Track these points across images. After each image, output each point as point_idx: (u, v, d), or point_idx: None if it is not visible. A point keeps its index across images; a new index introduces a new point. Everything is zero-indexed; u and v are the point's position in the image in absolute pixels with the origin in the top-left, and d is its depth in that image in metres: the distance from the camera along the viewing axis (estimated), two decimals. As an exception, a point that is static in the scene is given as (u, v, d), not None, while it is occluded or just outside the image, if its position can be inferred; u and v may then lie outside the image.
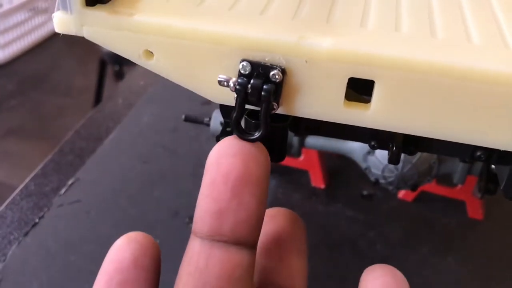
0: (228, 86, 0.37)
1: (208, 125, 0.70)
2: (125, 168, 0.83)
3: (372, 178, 0.68)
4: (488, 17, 0.41)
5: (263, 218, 0.31)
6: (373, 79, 0.36)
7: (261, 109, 0.37)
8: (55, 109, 2.88)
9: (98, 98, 2.60)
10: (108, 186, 0.79)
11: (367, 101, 0.38)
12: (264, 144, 0.41)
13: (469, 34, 0.38)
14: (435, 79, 0.35)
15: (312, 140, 0.68)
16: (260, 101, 0.37)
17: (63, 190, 0.78)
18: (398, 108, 0.37)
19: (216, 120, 0.68)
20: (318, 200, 0.79)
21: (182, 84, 0.40)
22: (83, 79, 3.14)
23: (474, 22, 0.40)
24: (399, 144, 0.43)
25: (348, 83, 0.38)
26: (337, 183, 0.82)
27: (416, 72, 0.35)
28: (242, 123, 0.41)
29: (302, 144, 0.68)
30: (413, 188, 0.65)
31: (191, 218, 0.77)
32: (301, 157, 0.80)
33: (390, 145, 0.43)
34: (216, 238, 0.30)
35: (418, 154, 0.60)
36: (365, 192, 0.81)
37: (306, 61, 0.36)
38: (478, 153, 0.44)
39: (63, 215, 0.74)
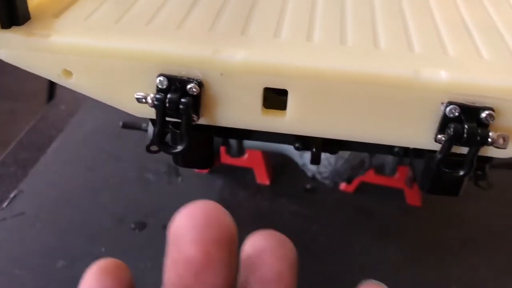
0: (146, 102, 0.38)
1: (146, 130, 0.70)
2: (69, 177, 0.82)
3: (309, 174, 0.70)
4: (397, 24, 0.43)
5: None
6: (286, 88, 0.38)
7: (182, 121, 0.38)
8: (6, 115, 2.81)
9: (50, 102, 2.55)
10: (52, 196, 0.78)
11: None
12: (190, 152, 0.42)
13: (377, 40, 0.40)
14: (342, 86, 0.37)
15: (251, 141, 0.69)
16: (179, 114, 0.38)
17: (5, 203, 0.77)
18: (311, 114, 0.38)
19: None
20: (263, 197, 0.81)
21: (103, 101, 0.41)
22: (34, 83, 3.06)
23: (384, 28, 0.42)
24: (318, 146, 0.45)
25: (273, 90, 0.39)
26: (281, 178, 0.84)
27: (324, 79, 0.37)
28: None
29: (241, 145, 0.70)
30: (348, 181, 0.68)
31: (136, 224, 0.78)
32: (245, 156, 0.81)
33: (311, 147, 0.45)
34: None
35: (350, 150, 0.62)
36: (308, 186, 0.83)
37: (221, 74, 0.38)
38: (396, 149, 0.47)
39: (6, 228, 0.73)
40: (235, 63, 0.37)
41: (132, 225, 0.74)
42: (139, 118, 0.46)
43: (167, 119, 0.39)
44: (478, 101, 0.36)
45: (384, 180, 0.81)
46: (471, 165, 0.37)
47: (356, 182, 0.79)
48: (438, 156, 0.37)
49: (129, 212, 0.76)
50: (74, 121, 0.95)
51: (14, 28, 0.40)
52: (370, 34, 0.41)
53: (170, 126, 0.42)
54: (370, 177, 0.80)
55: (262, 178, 0.83)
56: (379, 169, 0.72)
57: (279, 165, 0.86)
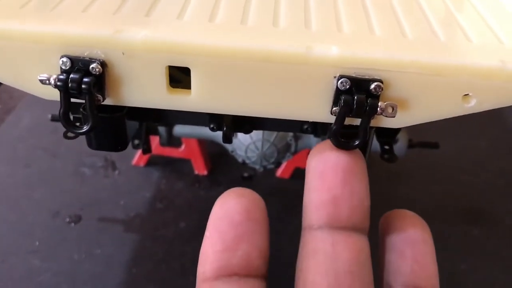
0: (50, 84, 0.39)
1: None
2: (5, 174, 0.82)
3: (239, 160, 0.72)
4: (298, 3, 0.45)
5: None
6: (188, 66, 0.39)
7: (85, 101, 0.39)
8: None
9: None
10: (-15, 194, 0.77)
11: None
12: (101, 134, 0.43)
13: (277, 20, 0.42)
14: (240, 63, 0.38)
15: (179, 129, 0.70)
16: (83, 94, 0.38)
17: None
18: (214, 91, 0.40)
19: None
20: (201, 186, 0.82)
21: (10, 84, 0.41)
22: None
23: (285, 8, 0.44)
24: (228, 124, 0.46)
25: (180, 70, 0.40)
26: (219, 168, 0.86)
27: (223, 57, 0.38)
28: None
29: (170, 133, 0.71)
30: (277, 165, 0.70)
31: (71, 217, 0.78)
32: (182, 147, 0.82)
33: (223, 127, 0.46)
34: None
35: (275, 133, 0.64)
36: (245, 174, 0.85)
37: (123, 53, 0.38)
38: (305, 126, 0.49)
39: None
40: (136, 41, 0.38)
41: (67, 219, 0.74)
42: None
43: (74, 101, 0.40)
44: (367, 74, 0.38)
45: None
46: (364, 135, 0.39)
47: (290, 167, 0.81)
48: (333, 127, 0.39)
49: (64, 206, 0.76)
50: (10, 119, 0.94)
51: None
52: (271, 14, 0.43)
53: (81, 109, 0.42)
54: (303, 161, 0.82)
55: (200, 168, 0.84)
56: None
57: (217, 155, 0.87)
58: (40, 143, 0.87)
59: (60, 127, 0.89)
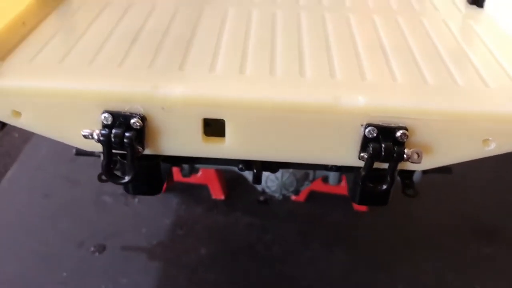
0: (93, 138, 0.41)
1: (99, 156, 0.72)
2: (26, 204, 0.84)
3: (259, 189, 0.74)
4: (322, 52, 0.47)
5: None
6: (223, 118, 0.41)
7: (127, 154, 0.41)
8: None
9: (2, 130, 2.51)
10: (10, 225, 0.79)
11: None
12: (138, 180, 0.45)
13: (303, 69, 0.44)
14: (272, 114, 0.40)
15: (201, 161, 0.72)
16: (124, 147, 0.41)
17: (-38, 235, 0.77)
18: (247, 140, 0.42)
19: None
20: (218, 212, 0.84)
21: (53, 138, 0.44)
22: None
23: (310, 57, 0.46)
24: (258, 167, 0.48)
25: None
26: (235, 192, 0.88)
27: (256, 109, 0.40)
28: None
29: (192, 166, 0.73)
30: (296, 193, 0.72)
31: (96, 247, 0.80)
32: (199, 173, 0.85)
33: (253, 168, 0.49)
34: None
35: (294, 164, 0.66)
36: (261, 198, 0.87)
37: (162, 108, 0.41)
38: (329, 166, 0.51)
39: (-36, 261, 0.74)
40: (174, 97, 0.40)
41: (92, 249, 0.76)
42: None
43: (115, 151, 0.42)
44: (393, 122, 0.40)
45: (332, 188, 0.85)
46: (392, 179, 0.41)
47: (305, 191, 0.83)
48: (362, 172, 0.41)
49: (89, 236, 0.78)
50: (28, 148, 0.96)
51: (-37, 73, 0.41)
52: (297, 64, 0.45)
53: (118, 158, 0.45)
54: (318, 186, 0.84)
55: (217, 193, 0.86)
56: (325, 179, 0.76)
57: (233, 180, 0.89)
58: (59, 172, 0.89)
59: (79, 157, 0.91)
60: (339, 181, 0.75)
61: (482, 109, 0.40)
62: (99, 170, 0.89)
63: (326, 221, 0.83)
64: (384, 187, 0.42)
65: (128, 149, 0.41)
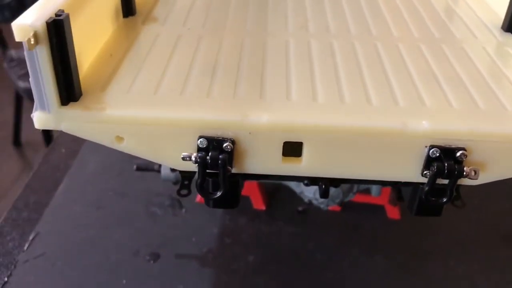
0: (190, 160, 0.47)
1: (159, 171, 0.78)
2: (80, 216, 0.89)
3: (306, 200, 0.80)
4: (383, 81, 0.53)
5: None
6: (301, 141, 0.47)
7: (219, 173, 0.47)
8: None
9: (17, 134, 2.55)
10: (68, 235, 0.85)
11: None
12: (224, 196, 0.51)
13: (369, 97, 0.50)
14: (346, 138, 0.46)
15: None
16: (218, 167, 0.47)
17: (26, 246, 0.83)
18: (322, 160, 0.48)
19: (166, 167, 0.77)
20: (261, 221, 0.90)
21: (150, 159, 0.50)
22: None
23: (373, 86, 0.52)
24: (327, 182, 0.54)
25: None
26: (275, 203, 0.93)
27: (331, 133, 0.46)
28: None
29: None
30: (340, 204, 0.78)
31: (151, 255, 0.85)
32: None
33: (320, 183, 0.54)
34: None
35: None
36: (300, 208, 0.92)
37: (250, 133, 0.47)
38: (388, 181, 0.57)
39: (30, 270, 0.79)
40: (261, 124, 0.46)
41: (147, 257, 0.82)
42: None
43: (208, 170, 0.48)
44: (453, 143, 0.46)
45: (367, 198, 0.91)
46: (451, 193, 0.47)
47: (342, 206, 0.89)
48: (426, 188, 0.47)
49: (143, 245, 0.84)
50: (76, 163, 1.02)
51: (71, 104, 0.47)
52: (362, 92, 0.51)
53: (211, 178, 0.50)
54: (355, 197, 0.89)
55: (259, 204, 0.92)
56: (366, 191, 0.82)
57: (272, 191, 0.95)
58: (108, 185, 0.95)
59: (125, 171, 0.97)
60: (380, 193, 0.81)
61: (530, 131, 0.46)
62: (145, 183, 0.95)
63: (362, 229, 0.88)
64: (444, 200, 0.47)
65: (221, 169, 0.47)
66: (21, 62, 2.12)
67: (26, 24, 0.42)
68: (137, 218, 0.89)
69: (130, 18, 0.66)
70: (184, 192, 0.60)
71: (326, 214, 0.91)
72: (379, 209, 0.92)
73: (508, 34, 0.65)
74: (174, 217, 0.89)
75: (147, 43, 0.60)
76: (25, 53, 0.44)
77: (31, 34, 0.42)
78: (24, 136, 2.55)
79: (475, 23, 0.68)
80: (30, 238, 0.85)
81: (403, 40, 0.62)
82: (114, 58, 0.55)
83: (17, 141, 2.58)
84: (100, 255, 0.82)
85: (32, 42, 0.42)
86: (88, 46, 0.54)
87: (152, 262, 0.80)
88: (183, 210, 0.91)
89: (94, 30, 0.56)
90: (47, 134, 2.29)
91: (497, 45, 0.62)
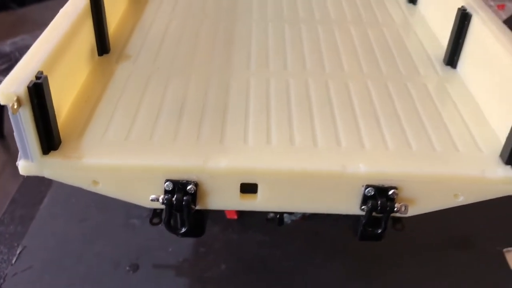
0: (158, 201, 0.53)
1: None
2: (65, 229, 0.95)
3: (270, 216, 0.87)
4: (329, 123, 0.60)
5: None
6: (256, 182, 0.54)
7: (184, 212, 0.54)
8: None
9: (0, 126, 2.58)
10: (53, 249, 0.91)
11: None
12: (190, 228, 0.57)
13: (315, 139, 0.57)
14: (293, 179, 0.53)
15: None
16: (182, 207, 0.53)
17: (14, 260, 0.89)
18: (275, 197, 0.55)
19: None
20: (233, 230, 0.97)
21: (123, 200, 0.56)
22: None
23: (320, 128, 0.59)
24: (281, 214, 0.61)
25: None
26: (246, 212, 1.00)
27: (282, 175, 0.53)
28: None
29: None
30: (302, 217, 0.85)
31: (131, 266, 0.92)
32: (215, 196, 0.97)
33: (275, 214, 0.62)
34: None
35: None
36: (269, 216, 0.99)
37: (211, 176, 0.53)
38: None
39: (19, 283, 0.85)
40: (220, 169, 0.53)
41: (127, 268, 0.88)
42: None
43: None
44: (386, 183, 0.53)
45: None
46: (385, 225, 0.54)
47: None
48: (363, 220, 0.54)
49: (123, 256, 0.90)
50: (59, 176, 1.07)
51: (52, 153, 0.54)
52: (310, 133, 0.58)
53: (178, 215, 0.57)
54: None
55: (231, 213, 0.99)
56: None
57: (244, 201, 1.02)
58: (90, 198, 1.01)
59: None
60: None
61: (452, 172, 0.54)
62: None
63: (326, 237, 0.96)
64: (379, 231, 0.55)
65: (185, 209, 0.53)
66: (1, 57, 2.14)
67: (10, 92, 0.47)
68: (117, 229, 0.95)
69: (105, 56, 0.72)
70: (156, 220, 0.67)
71: (292, 223, 0.98)
72: (338, 217, 0.99)
73: (448, 67, 0.72)
74: (152, 228, 0.96)
75: (120, 83, 0.66)
76: (9, 113, 0.49)
77: (15, 99, 0.47)
78: (8, 128, 2.58)
79: (421, 58, 0.74)
80: (18, 252, 0.91)
81: (353, 77, 0.69)
82: (90, 102, 0.61)
83: (0, 133, 2.60)
84: (84, 267, 0.89)
85: (15, 107, 0.48)
86: (66, 93, 0.59)
87: (131, 272, 0.87)
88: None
89: (72, 76, 0.62)
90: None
91: (437, 81, 0.69)
